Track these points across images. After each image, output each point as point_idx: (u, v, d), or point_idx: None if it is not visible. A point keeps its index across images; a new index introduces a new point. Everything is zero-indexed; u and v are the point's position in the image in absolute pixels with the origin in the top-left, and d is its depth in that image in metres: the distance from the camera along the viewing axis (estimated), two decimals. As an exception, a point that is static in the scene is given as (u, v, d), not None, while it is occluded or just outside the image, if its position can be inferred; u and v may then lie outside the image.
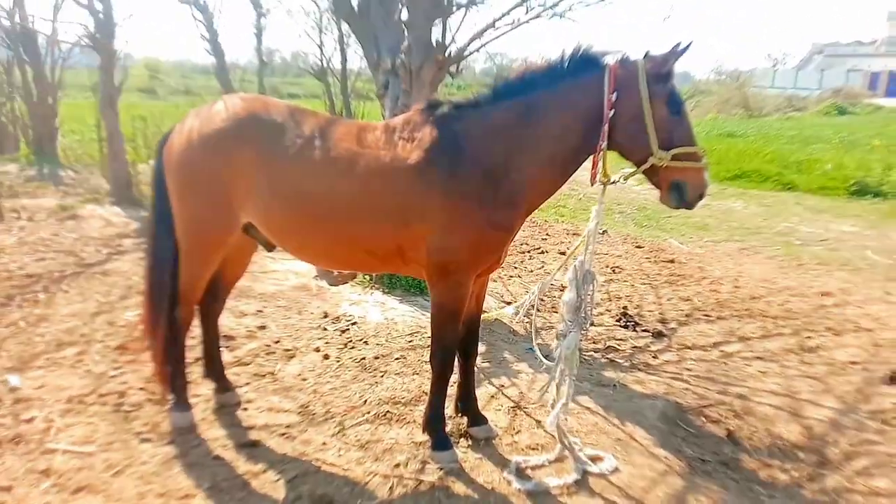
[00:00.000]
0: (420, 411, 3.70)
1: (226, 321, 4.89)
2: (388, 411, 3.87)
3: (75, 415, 3.66)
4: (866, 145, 17.78)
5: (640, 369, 4.69)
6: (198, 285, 3.56)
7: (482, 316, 3.72)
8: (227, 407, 3.82)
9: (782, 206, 11.64)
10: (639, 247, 8.41)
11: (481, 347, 4.46)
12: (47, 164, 11.66)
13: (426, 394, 3.60)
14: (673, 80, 2.96)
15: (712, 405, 4.17)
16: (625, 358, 4.89)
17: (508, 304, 5.70)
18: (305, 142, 3.17)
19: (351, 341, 4.90)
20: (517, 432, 3.73)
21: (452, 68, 5.75)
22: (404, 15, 5.63)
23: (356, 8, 5.81)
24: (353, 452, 3.44)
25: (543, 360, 3.56)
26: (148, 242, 3.67)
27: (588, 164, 3.15)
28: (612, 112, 2.93)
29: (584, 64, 3.01)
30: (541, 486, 3.19)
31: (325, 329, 5.13)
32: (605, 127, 2.95)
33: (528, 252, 7.92)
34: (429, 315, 3.47)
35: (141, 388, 3.98)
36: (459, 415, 3.75)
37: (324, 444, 3.51)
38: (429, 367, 3.49)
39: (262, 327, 5.09)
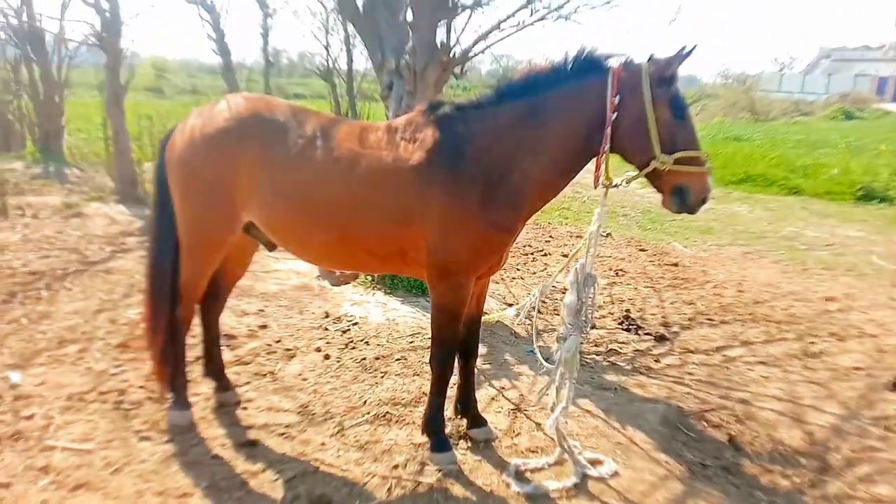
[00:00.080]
0: (420, 412, 3.69)
1: (227, 320, 4.90)
2: (387, 412, 3.87)
3: (75, 412, 3.67)
4: (873, 150, 17.67)
5: (641, 373, 4.67)
6: (199, 284, 3.56)
7: (483, 318, 3.71)
8: (226, 406, 3.82)
9: (788, 211, 11.60)
10: (642, 250, 8.38)
11: (482, 349, 4.46)
12: (53, 161, 11.71)
13: (426, 395, 3.59)
14: (676, 83, 2.94)
15: (714, 410, 4.15)
16: (626, 361, 4.87)
17: (510, 305, 5.69)
18: (307, 142, 3.17)
19: (352, 341, 4.90)
20: (517, 435, 3.72)
21: (457, 69, 5.75)
22: (409, 16, 5.63)
23: (361, 8, 5.82)
24: (352, 453, 3.43)
25: (544, 362, 3.55)
26: (149, 241, 3.68)
27: (592, 166, 3.14)
28: (615, 115, 2.91)
29: (588, 66, 3.00)
30: (540, 490, 3.18)
31: (327, 329, 5.13)
32: (608, 130, 2.93)
33: (532, 254, 7.90)
34: (430, 316, 3.47)
35: (141, 387, 3.98)
36: (459, 416, 3.74)
37: (323, 444, 3.50)
38: (429, 368, 3.48)
39: (264, 326, 5.09)
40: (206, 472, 3.19)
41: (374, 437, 3.59)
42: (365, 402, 3.99)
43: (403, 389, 4.17)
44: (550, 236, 8.91)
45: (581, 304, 3.27)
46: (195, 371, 4.00)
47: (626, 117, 2.91)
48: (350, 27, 8.52)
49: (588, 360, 4.78)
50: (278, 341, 4.83)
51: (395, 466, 3.33)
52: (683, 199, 2.95)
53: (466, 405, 3.69)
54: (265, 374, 4.29)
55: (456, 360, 3.49)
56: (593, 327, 5.37)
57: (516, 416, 3.93)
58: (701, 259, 8.10)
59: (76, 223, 7.97)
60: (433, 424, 3.43)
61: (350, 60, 9.42)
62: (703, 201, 2.97)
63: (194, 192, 3.34)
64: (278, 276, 6.38)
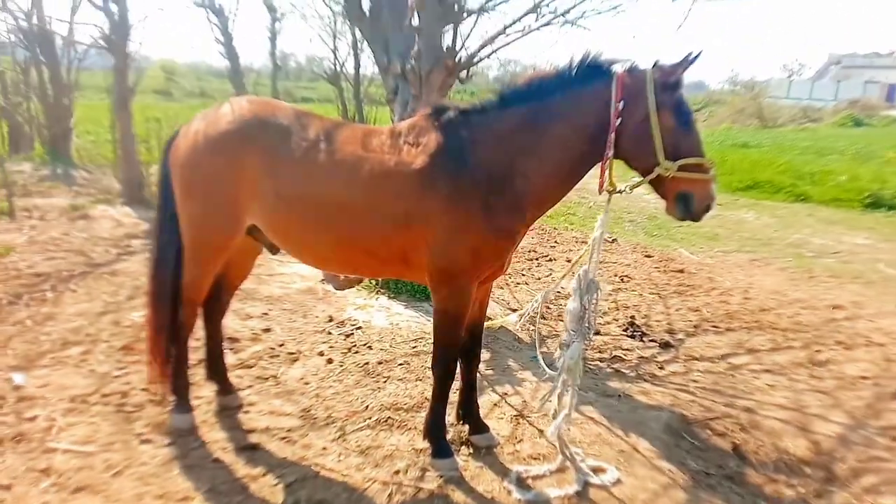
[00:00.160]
0: (422, 418, 3.68)
1: (231, 323, 4.90)
2: (389, 417, 3.86)
3: (77, 414, 3.67)
4: (882, 157, 17.61)
5: (645, 380, 4.64)
6: (201, 286, 3.56)
7: (486, 323, 3.70)
8: (228, 409, 3.82)
9: (794, 218, 11.54)
10: (648, 256, 8.35)
11: (485, 354, 4.44)
12: (61, 163, 11.77)
13: (428, 400, 3.58)
14: (681, 89, 2.92)
15: (718, 418, 4.12)
16: (631, 368, 4.84)
17: (514, 311, 5.66)
18: (311, 145, 3.17)
19: (355, 346, 4.89)
20: (519, 441, 3.70)
21: (462, 74, 5.75)
22: (415, 20, 5.63)
23: (367, 12, 5.83)
24: (353, 458, 3.42)
25: (547, 369, 3.53)
26: (153, 243, 3.68)
27: (597, 171, 3.12)
28: (619, 120, 2.90)
29: (592, 72, 2.98)
30: (541, 497, 3.16)
31: (330, 333, 5.12)
32: (612, 135, 2.92)
33: (536, 259, 7.88)
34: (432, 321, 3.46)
35: (143, 389, 3.98)
36: (461, 422, 3.72)
37: (324, 448, 3.49)
38: (431, 373, 3.47)
39: (267, 330, 5.09)
40: (207, 476, 3.18)
41: (375, 442, 3.58)
42: (367, 406, 3.98)
43: (405, 394, 4.16)
44: (555, 241, 8.89)
45: (584, 311, 3.25)
46: (198, 374, 4.00)
47: (630, 123, 2.89)
48: (358, 32, 8.55)
49: (592, 367, 4.76)
50: (281, 345, 4.83)
51: (397, 472, 3.31)
52: (687, 205, 2.92)
53: (469, 411, 3.68)
54: (268, 378, 4.29)
55: (458, 366, 3.48)
56: (597, 333, 5.34)
57: (519, 423, 3.91)
58: (707, 266, 8.06)
59: (82, 225, 8.01)
60: (435, 430, 3.42)
61: (357, 64, 9.48)
62: (707, 209, 2.94)
63: (197, 194, 3.34)
64: (283, 279, 6.39)
